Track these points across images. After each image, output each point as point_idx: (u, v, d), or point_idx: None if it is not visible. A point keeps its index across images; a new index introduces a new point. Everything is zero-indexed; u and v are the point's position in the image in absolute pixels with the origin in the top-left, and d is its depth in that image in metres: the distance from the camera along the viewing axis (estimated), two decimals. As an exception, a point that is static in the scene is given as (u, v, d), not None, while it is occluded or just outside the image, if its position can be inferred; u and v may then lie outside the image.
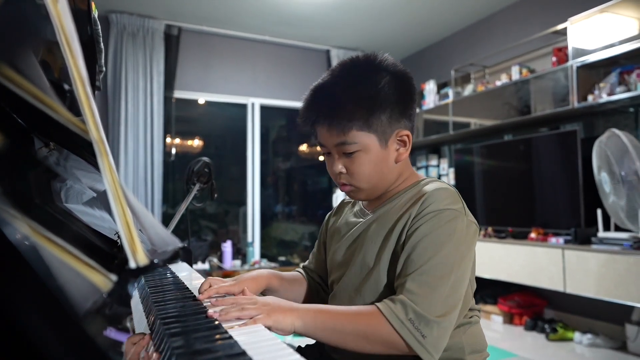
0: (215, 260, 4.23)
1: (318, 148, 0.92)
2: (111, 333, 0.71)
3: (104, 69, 1.38)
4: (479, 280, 3.65)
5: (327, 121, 0.86)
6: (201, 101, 4.60)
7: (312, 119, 0.87)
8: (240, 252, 4.54)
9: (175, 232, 4.00)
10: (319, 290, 1.11)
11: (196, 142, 4.86)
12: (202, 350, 0.55)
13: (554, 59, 3.31)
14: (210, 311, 0.69)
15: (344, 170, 0.89)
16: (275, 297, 1.04)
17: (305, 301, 1.09)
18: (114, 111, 3.97)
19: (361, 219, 0.97)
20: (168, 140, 4.24)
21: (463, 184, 4.14)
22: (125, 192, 0.49)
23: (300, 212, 5.44)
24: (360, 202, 1.02)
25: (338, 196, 5.03)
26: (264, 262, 4.44)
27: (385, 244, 0.87)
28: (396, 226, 0.86)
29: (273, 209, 5.23)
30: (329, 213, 1.14)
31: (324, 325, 0.74)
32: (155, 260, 0.54)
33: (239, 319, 0.70)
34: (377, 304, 0.76)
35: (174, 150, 4.38)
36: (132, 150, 3.97)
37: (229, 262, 4.21)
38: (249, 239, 4.58)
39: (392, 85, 0.85)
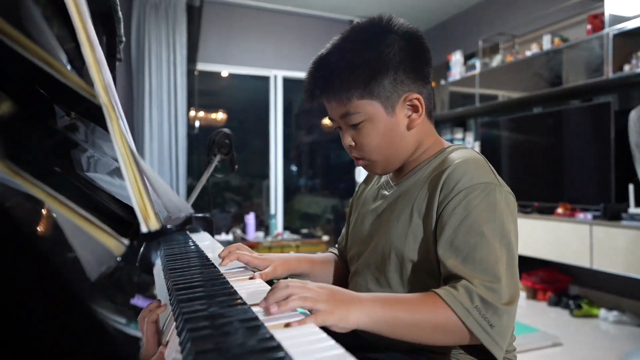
0: (238, 231, 4.30)
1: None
2: (138, 301, 0.73)
3: (123, 39, 1.38)
4: (503, 255, 3.60)
5: (326, 93, 0.81)
6: (224, 74, 4.60)
7: (313, 93, 0.83)
8: (263, 224, 4.59)
9: (197, 203, 4.07)
10: (348, 274, 1.06)
11: (220, 116, 4.88)
12: (215, 314, 0.56)
13: (588, 26, 3.16)
14: (263, 303, 0.59)
15: (352, 144, 0.85)
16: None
17: (335, 283, 1.04)
18: (138, 84, 4.00)
19: (386, 192, 0.92)
20: (192, 113, 4.27)
21: (489, 158, 4.01)
22: (137, 157, 0.49)
23: (323, 185, 5.45)
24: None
25: (361, 170, 5.00)
26: (287, 234, 4.49)
27: (410, 222, 0.81)
28: (423, 201, 0.80)
29: (296, 182, 5.25)
30: (361, 182, 1.08)
31: (396, 320, 0.65)
32: (169, 226, 0.55)
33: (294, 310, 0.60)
34: (435, 290, 0.68)
35: (197, 123, 4.42)
36: (157, 123, 4.01)
37: (252, 234, 4.27)
38: (272, 212, 4.62)
39: (397, 46, 0.79)
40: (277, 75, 4.69)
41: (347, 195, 5.10)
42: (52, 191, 0.43)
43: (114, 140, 0.46)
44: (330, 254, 1.10)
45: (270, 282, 0.87)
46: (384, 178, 0.96)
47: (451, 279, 0.70)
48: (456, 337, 0.67)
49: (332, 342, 0.49)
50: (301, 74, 4.63)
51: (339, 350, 0.47)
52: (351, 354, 0.46)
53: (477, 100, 4.06)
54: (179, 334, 0.50)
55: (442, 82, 4.54)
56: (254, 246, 4.21)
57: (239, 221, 4.53)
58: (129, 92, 4.04)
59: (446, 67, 4.57)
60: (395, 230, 0.83)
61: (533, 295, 3.50)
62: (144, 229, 0.47)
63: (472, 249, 0.70)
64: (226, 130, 1.70)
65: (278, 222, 4.61)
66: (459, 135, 4.64)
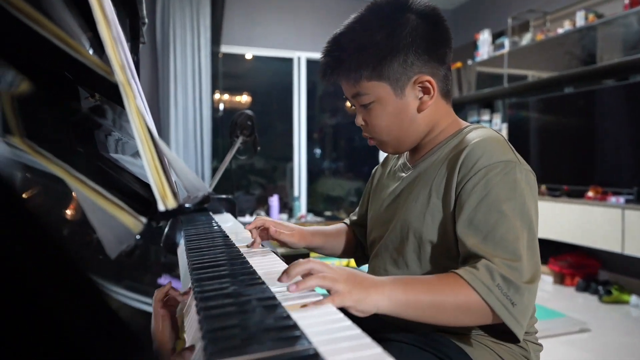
0: (262, 213, 4.34)
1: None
2: (165, 280, 0.74)
3: (146, 20, 1.38)
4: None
5: (337, 73, 0.82)
6: (248, 56, 4.59)
7: (326, 72, 0.83)
8: (286, 207, 4.62)
9: (221, 185, 4.12)
10: (357, 247, 1.09)
11: (244, 98, 4.89)
12: (233, 293, 0.56)
13: (626, 1, 3.01)
14: (285, 278, 0.60)
15: (363, 123, 0.85)
16: (318, 254, 1.07)
17: (343, 255, 1.08)
18: (163, 68, 4.03)
19: (403, 174, 0.91)
20: (216, 96, 4.29)
21: (516, 140, 3.95)
22: (154, 136, 0.49)
23: (347, 168, 5.43)
24: (405, 154, 0.95)
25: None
26: (310, 217, 4.51)
27: (429, 202, 0.80)
28: (442, 181, 0.79)
29: (320, 165, 5.24)
30: (377, 165, 1.08)
31: (417, 302, 0.64)
32: (187, 205, 0.55)
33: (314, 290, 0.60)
34: (455, 270, 0.67)
35: (221, 106, 4.44)
36: (182, 106, 4.05)
37: (276, 216, 4.31)
38: (296, 194, 4.64)
39: (411, 26, 0.78)
40: (300, 57, 4.66)
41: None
42: (71, 169, 0.44)
43: (131, 118, 0.46)
44: (342, 225, 1.13)
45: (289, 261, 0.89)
46: (401, 160, 0.96)
47: (471, 258, 0.69)
48: (478, 317, 0.66)
49: (348, 322, 0.49)
50: (325, 56, 4.57)
51: (355, 330, 0.47)
52: (368, 335, 0.45)
53: (505, 81, 3.95)
54: (197, 312, 0.50)
55: (469, 62, 4.43)
56: (277, 228, 4.25)
57: (263, 203, 4.57)
58: (154, 76, 4.08)
59: (473, 46, 4.44)
60: (414, 211, 0.82)
61: (561, 280, 3.43)
62: (161, 207, 0.47)
63: (492, 227, 0.68)
64: (248, 111, 1.70)
65: (302, 205, 4.63)
66: (485, 117, 4.54)
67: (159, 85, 4.06)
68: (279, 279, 0.60)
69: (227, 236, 0.99)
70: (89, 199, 0.44)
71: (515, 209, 0.69)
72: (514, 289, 0.65)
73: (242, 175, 4.93)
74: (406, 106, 0.81)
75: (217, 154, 4.44)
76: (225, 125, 4.42)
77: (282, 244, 0.99)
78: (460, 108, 4.90)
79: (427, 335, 0.77)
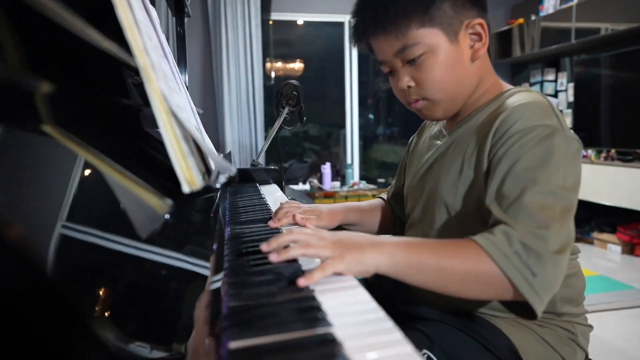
0: (315, 181, 4.37)
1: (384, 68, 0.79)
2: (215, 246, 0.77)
3: (188, -6, 1.39)
4: (595, 206, 3.33)
5: (379, 26, 0.74)
6: (299, 22, 4.53)
7: (365, 29, 0.76)
8: (339, 174, 4.62)
9: (272, 154, 4.15)
10: (396, 220, 1.06)
11: (297, 65, 4.86)
12: (263, 271, 0.57)
13: None
14: (264, 246, 0.59)
15: (412, 83, 0.76)
16: (354, 231, 1.02)
17: (380, 231, 1.05)
18: (216, 38, 4.07)
19: (438, 142, 0.86)
20: (268, 64, 4.30)
21: (584, 101, 3.68)
22: (180, 118, 0.50)
23: (402, 134, 5.31)
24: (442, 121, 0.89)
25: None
26: (363, 184, 4.49)
27: (461, 173, 0.75)
28: (474, 150, 0.74)
29: (374, 130, 5.17)
30: (413, 135, 1.02)
31: (420, 264, 0.60)
32: (217, 185, 0.56)
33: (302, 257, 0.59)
34: (472, 237, 0.61)
35: (273, 74, 4.45)
36: (235, 75, 4.09)
37: (329, 184, 4.33)
38: (348, 161, 4.63)
39: None
40: (351, 21, 4.53)
41: (425, 144, 4.93)
42: (100, 154, 0.45)
43: (153, 102, 0.46)
44: (378, 200, 1.09)
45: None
46: (437, 127, 0.90)
47: (495, 228, 0.63)
48: (491, 287, 0.60)
49: (374, 304, 0.48)
50: (377, 18, 4.42)
51: (379, 313, 0.46)
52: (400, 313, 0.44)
53: (572, 36, 3.64)
54: (226, 283, 0.52)
55: (532, 17, 4.11)
56: (330, 195, 4.28)
57: (316, 170, 4.60)
58: (207, 47, 4.14)
59: (537, 0, 4.11)
60: (445, 182, 0.77)
61: (630, 250, 3.23)
62: (185, 189, 0.48)
63: (520, 194, 0.62)
64: (294, 81, 1.69)
65: (355, 172, 4.61)
66: (550, 76, 4.24)
67: (212, 56, 4.12)
68: (261, 248, 0.59)
69: (269, 209, 1.00)
70: (116, 182, 0.45)
71: (549, 177, 0.62)
72: (535, 257, 0.59)
73: (296, 143, 4.97)
74: (460, 54, 0.74)
75: (271, 122, 4.48)
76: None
77: None
78: (523, 68, 4.61)
79: (464, 314, 0.74)
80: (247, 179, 1.58)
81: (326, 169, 4.34)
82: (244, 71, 4.11)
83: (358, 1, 0.78)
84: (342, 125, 4.75)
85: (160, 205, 0.48)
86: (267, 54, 4.26)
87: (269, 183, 1.59)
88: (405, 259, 0.60)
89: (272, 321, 0.43)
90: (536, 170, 0.63)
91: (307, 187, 4.31)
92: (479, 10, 0.75)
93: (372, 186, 4.49)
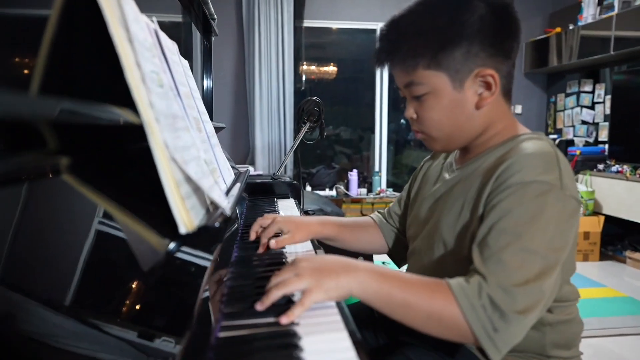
0: (341, 187, 4.41)
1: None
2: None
3: (215, 17, 1.46)
4: (629, 224, 3.23)
5: (392, 59, 0.77)
6: (333, 27, 4.59)
7: (380, 57, 0.79)
8: (366, 181, 4.64)
9: (302, 160, 4.17)
10: (399, 238, 1.05)
11: (331, 68, 4.91)
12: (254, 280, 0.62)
13: None
14: (258, 306, 0.60)
15: (414, 116, 0.79)
16: (332, 245, 1.04)
17: (365, 249, 1.06)
18: (249, 45, 4.17)
19: (447, 175, 0.87)
20: (304, 67, 4.36)
21: (621, 113, 3.57)
22: (184, 159, 0.55)
23: (432, 140, 5.27)
24: (455, 152, 0.90)
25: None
26: (390, 192, 4.50)
27: (460, 214, 0.76)
28: (475, 194, 0.74)
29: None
30: (426, 157, 1.02)
31: (389, 295, 0.62)
32: (216, 224, 0.61)
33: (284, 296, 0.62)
34: (448, 279, 0.64)
35: (304, 77, 4.52)
36: (266, 81, 4.18)
37: (355, 190, 4.36)
38: (376, 168, 4.64)
39: (479, 14, 0.71)
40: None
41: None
42: (108, 199, 0.51)
43: (154, 152, 0.52)
44: (368, 219, 1.09)
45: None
46: (450, 158, 0.91)
47: (472, 273, 0.65)
48: (453, 332, 0.63)
49: (347, 342, 0.52)
50: (409, 25, 4.40)
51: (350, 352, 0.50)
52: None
53: (611, 47, 3.53)
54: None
55: (571, 26, 4.01)
56: (357, 201, 4.32)
57: (343, 177, 4.63)
58: (240, 54, 4.24)
59: (577, 9, 4.01)
60: (446, 220, 0.79)
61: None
62: (182, 230, 0.53)
63: (501, 248, 0.63)
64: (315, 98, 1.74)
65: (382, 179, 4.62)
66: (587, 87, 4.13)
67: (245, 62, 4.22)
68: (256, 309, 0.60)
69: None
70: (121, 222, 0.51)
71: (535, 235, 0.63)
72: (499, 315, 0.60)
73: (328, 146, 5.02)
74: (463, 101, 0.75)
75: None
76: (312, 95, 4.50)
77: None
78: (560, 77, 4.50)
79: (450, 344, 0.76)
80: (266, 191, 1.65)
81: (353, 175, 4.37)
82: (275, 77, 4.19)
83: (383, 27, 0.80)
84: (374, 130, 4.77)
85: (160, 245, 0.53)
86: (299, 58, 4.34)
87: (288, 197, 1.64)
88: (375, 288, 0.62)
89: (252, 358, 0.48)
90: (523, 226, 0.64)
91: (333, 193, 4.36)
92: (499, 59, 0.74)
93: (398, 194, 4.48)
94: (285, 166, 1.94)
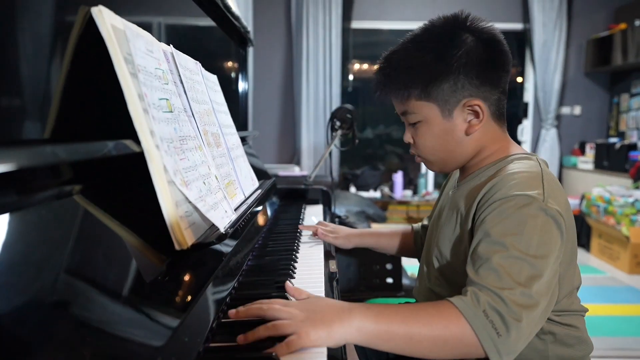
0: (386, 189, 4.40)
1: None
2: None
3: (248, 29, 1.53)
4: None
5: (387, 90, 0.84)
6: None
7: (377, 87, 0.86)
8: (411, 183, 4.60)
9: (345, 160, 4.26)
10: (416, 250, 1.12)
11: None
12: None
13: None
14: (241, 339, 0.58)
15: (411, 141, 0.86)
16: (373, 251, 1.17)
17: (399, 254, 1.16)
18: (297, 47, 4.25)
19: (450, 191, 0.92)
20: (355, 66, 4.38)
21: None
22: (185, 180, 0.61)
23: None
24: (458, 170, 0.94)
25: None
26: (435, 194, 4.43)
27: (455, 229, 0.82)
28: (465, 211, 0.79)
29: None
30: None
31: (389, 333, 0.62)
32: (214, 240, 0.66)
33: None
34: (449, 299, 0.65)
35: (351, 77, 4.55)
36: (313, 82, 4.25)
37: (400, 192, 4.33)
38: (422, 170, 4.58)
39: (466, 49, 0.77)
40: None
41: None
42: (113, 219, 0.58)
43: (153, 177, 0.58)
44: (405, 228, 1.17)
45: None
46: (457, 173, 0.95)
47: (467, 288, 0.66)
48: (460, 347, 0.62)
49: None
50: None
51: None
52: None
53: (681, 45, 3.28)
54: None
55: (637, 22, 3.76)
56: (403, 203, 4.29)
57: (387, 179, 4.61)
58: (289, 55, 4.33)
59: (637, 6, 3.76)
60: (443, 234, 0.84)
61: None
62: (177, 247, 0.59)
63: (490, 257, 0.65)
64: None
65: (428, 181, 4.56)
66: (652, 87, 3.85)
67: (293, 65, 4.30)
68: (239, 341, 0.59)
69: (297, 237, 1.11)
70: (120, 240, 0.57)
71: (519, 244, 0.65)
72: (500, 318, 0.61)
73: (379, 145, 5.01)
74: (453, 128, 0.81)
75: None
76: (359, 95, 4.53)
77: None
78: (624, 77, 4.22)
79: None
80: (298, 196, 1.70)
81: (398, 177, 4.34)
82: (322, 79, 4.25)
83: (379, 61, 0.86)
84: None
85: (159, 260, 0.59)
86: (347, 58, 4.36)
87: (318, 203, 1.69)
88: (374, 330, 0.61)
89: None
90: (508, 236, 0.66)
91: (377, 194, 4.35)
92: (486, 89, 0.79)
93: (445, 197, 4.41)
94: (331, 167, 1.98)
